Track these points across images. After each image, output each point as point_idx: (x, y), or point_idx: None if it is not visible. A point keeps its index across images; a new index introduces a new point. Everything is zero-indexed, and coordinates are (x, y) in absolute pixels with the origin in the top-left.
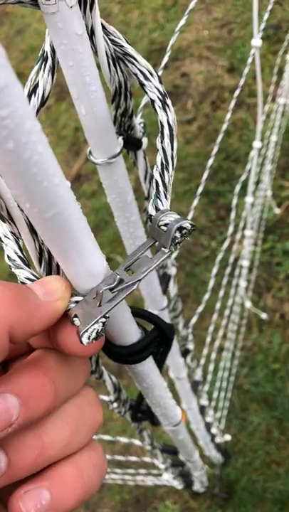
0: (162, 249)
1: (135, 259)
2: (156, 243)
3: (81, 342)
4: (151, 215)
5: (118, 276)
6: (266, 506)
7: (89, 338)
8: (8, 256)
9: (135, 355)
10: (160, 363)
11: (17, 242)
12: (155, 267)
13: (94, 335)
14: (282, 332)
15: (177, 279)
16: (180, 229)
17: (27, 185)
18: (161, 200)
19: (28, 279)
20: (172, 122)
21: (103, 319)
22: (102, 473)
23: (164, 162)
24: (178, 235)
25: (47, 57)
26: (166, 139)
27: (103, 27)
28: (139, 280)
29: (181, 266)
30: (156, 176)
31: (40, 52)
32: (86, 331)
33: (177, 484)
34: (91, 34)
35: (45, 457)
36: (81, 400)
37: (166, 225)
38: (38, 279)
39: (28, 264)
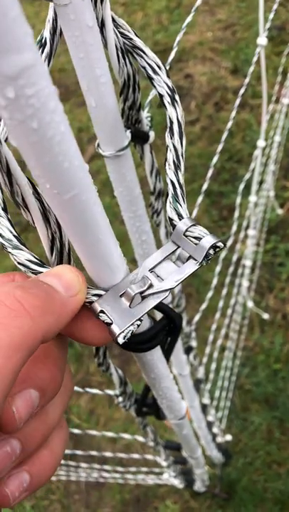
0: (192, 260)
1: (158, 262)
2: (179, 249)
3: (117, 342)
4: (173, 220)
5: (149, 281)
6: (267, 506)
7: (124, 338)
8: (1, 234)
9: (145, 344)
10: (167, 354)
11: (10, 221)
12: (186, 278)
13: (129, 335)
14: (284, 332)
15: None
16: (214, 247)
17: (49, 164)
18: (180, 204)
19: (30, 260)
20: (181, 118)
21: (138, 322)
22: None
23: (175, 161)
24: (211, 252)
25: (45, 44)
26: (176, 136)
27: (113, 19)
28: (172, 289)
29: None
30: (171, 176)
31: (39, 37)
32: (123, 331)
33: (178, 483)
34: (101, 26)
35: (46, 437)
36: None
37: (196, 238)
38: (39, 261)
39: (24, 244)
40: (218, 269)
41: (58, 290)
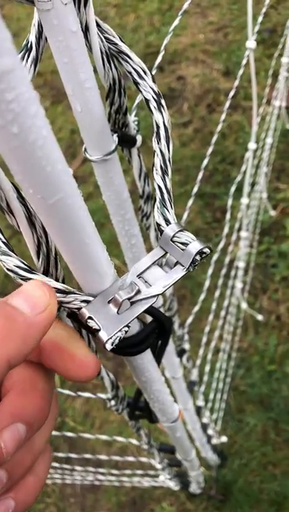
0: (179, 266)
1: (147, 268)
2: (168, 255)
3: (105, 348)
4: (160, 225)
5: (137, 287)
6: (262, 507)
7: (112, 344)
8: None
9: (135, 347)
10: (158, 358)
11: None
12: (173, 284)
13: (117, 341)
14: (278, 333)
15: None
16: (200, 253)
17: (31, 169)
18: (167, 209)
19: (18, 267)
20: (167, 123)
21: (126, 328)
22: (50, 468)
23: (162, 166)
24: (198, 257)
25: (31, 48)
26: (163, 141)
27: (98, 25)
28: (159, 295)
29: None
30: (158, 181)
31: (24, 42)
32: (110, 338)
33: (174, 485)
34: (85, 31)
35: (32, 464)
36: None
37: (183, 243)
38: (28, 267)
39: (12, 250)
40: (210, 271)
41: (23, 311)
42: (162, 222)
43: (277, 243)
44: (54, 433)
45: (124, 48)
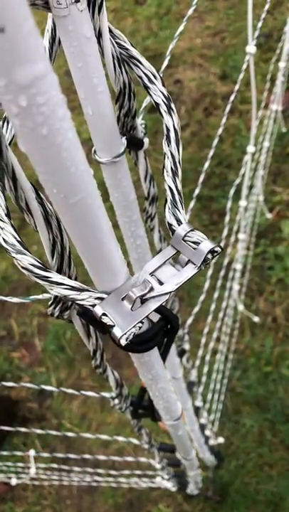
0: (191, 264)
1: (159, 266)
2: (180, 255)
3: (119, 343)
4: (172, 225)
5: (150, 285)
6: (259, 508)
7: (126, 340)
8: (4, 240)
9: (144, 344)
10: (164, 355)
11: (13, 226)
12: (185, 281)
13: (131, 337)
14: (274, 335)
15: None
16: (212, 252)
17: (56, 169)
18: (178, 210)
19: (33, 265)
20: (177, 126)
21: (140, 324)
22: None
23: (173, 168)
24: (210, 256)
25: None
26: (173, 144)
27: (110, 30)
28: (172, 292)
29: None
30: (169, 182)
31: None
32: (125, 333)
33: (171, 486)
34: (98, 36)
35: None
36: None
37: (195, 243)
38: (42, 265)
39: (27, 248)
40: (210, 272)
41: None
42: (174, 222)
43: (273, 245)
44: (52, 433)
45: (135, 53)
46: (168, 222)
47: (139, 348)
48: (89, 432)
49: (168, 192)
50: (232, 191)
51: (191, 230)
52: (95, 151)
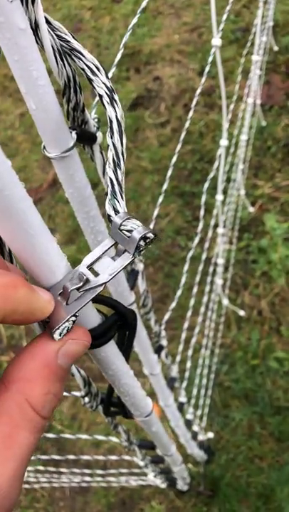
0: (126, 253)
1: (97, 258)
2: (118, 245)
3: (52, 337)
4: (110, 216)
5: (85, 277)
6: (251, 501)
7: (60, 335)
8: None
9: (95, 340)
10: (126, 352)
11: None
12: (120, 271)
13: (64, 331)
14: (260, 328)
15: (156, 280)
16: (144, 238)
17: None
18: (118, 200)
19: None
20: (120, 118)
21: (73, 318)
22: None
23: (115, 159)
24: (142, 243)
25: None
26: (116, 135)
27: (48, 22)
28: (105, 283)
29: (160, 267)
30: (110, 174)
31: None
32: (58, 328)
33: (160, 483)
34: (35, 28)
35: None
36: None
37: (129, 231)
38: None
39: None
40: (186, 267)
41: None
42: (112, 213)
43: (256, 239)
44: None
45: (77, 45)
46: (107, 214)
47: (90, 343)
48: (79, 433)
49: (108, 183)
50: (206, 185)
51: (128, 219)
52: (44, 147)
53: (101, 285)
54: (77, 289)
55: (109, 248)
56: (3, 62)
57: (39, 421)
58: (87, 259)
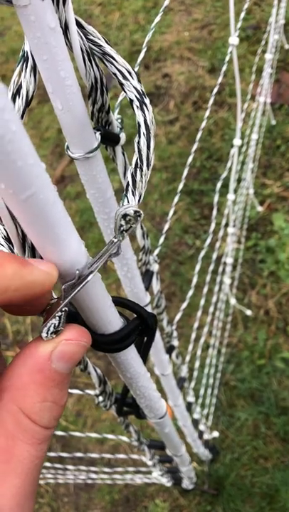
0: (112, 238)
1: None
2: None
3: (40, 336)
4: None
5: (77, 272)
6: (255, 501)
7: (47, 333)
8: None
9: (117, 344)
10: (144, 355)
11: (3, 226)
12: (104, 259)
13: (52, 329)
14: (267, 328)
15: (163, 278)
16: (124, 216)
17: (1, 164)
18: (128, 198)
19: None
20: (150, 121)
21: (59, 313)
22: None
23: (138, 162)
24: (123, 222)
25: (28, 58)
26: (143, 138)
27: (82, 27)
28: (91, 272)
29: (167, 265)
30: (129, 176)
31: (21, 53)
32: (45, 325)
33: (166, 481)
34: (65, 28)
35: None
36: None
37: (118, 216)
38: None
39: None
40: (198, 267)
41: None
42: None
43: (264, 239)
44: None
45: (109, 49)
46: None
47: (112, 347)
48: (84, 429)
49: (124, 185)
50: (219, 185)
51: (124, 207)
52: (68, 147)
53: (87, 276)
54: (73, 285)
55: (112, 243)
56: (12, 57)
57: (39, 431)
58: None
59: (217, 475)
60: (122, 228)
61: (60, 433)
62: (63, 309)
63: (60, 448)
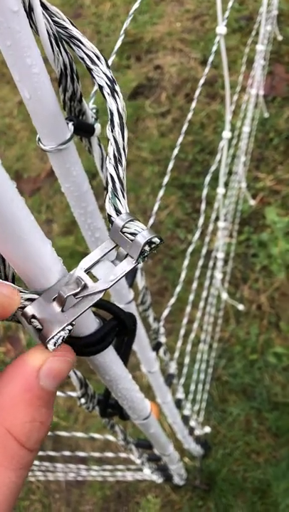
0: (129, 258)
1: (96, 262)
2: (119, 247)
3: (46, 347)
4: (111, 216)
5: (83, 282)
6: (246, 496)
7: (55, 345)
8: None
9: (92, 347)
10: (125, 356)
11: None
12: (121, 277)
13: (60, 341)
14: (259, 323)
15: (154, 273)
16: (149, 243)
17: None
18: (119, 199)
19: None
20: (122, 110)
21: (70, 327)
22: None
23: (116, 154)
24: (147, 248)
25: None
26: (117, 128)
27: (45, 7)
28: (105, 290)
29: (159, 260)
30: (111, 170)
31: None
32: (52, 337)
33: (156, 478)
34: (29, 11)
35: None
36: None
37: (132, 234)
38: None
39: None
40: (186, 262)
41: None
42: (113, 213)
43: (257, 232)
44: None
45: (76, 32)
46: (107, 214)
47: (87, 350)
48: (75, 425)
49: (109, 180)
50: (208, 178)
51: (130, 221)
52: (39, 139)
53: (100, 292)
54: (74, 295)
55: (109, 251)
56: None
57: (23, 455)
58: (85, 263)
59: (209, 470)
60: (145, 254)
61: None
62: (73, 323)
63: (51, 445)
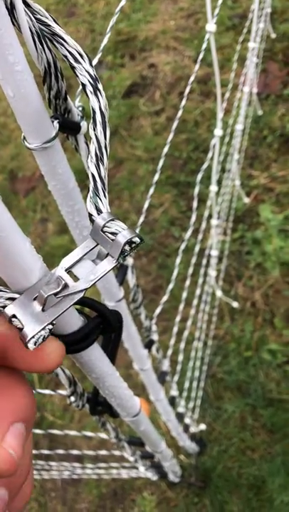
0: (110, 257)
1: (77, 261)
2: (100, 247)
3: (26, 347)
4: (92, 215)
5: (63, 281)
6: (242, 492)
7: (35, 344)
8: None
9: (76, 344)
10: (112, 353)
11: None
12: (102, 276)
13: (40, 340)
14: (254, 320)
15: (149, 271)
16: (129, 242)
17: None
18: (100, 198)
19: None
20: (104, 108)
21: (50, 326)
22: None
23: (98, 153)
24: (127, 248)
25: None
26: (99, 127)
27: (28, 5)
28: (86, 289)
29: (153, 258)
30: (92, 169)
31: None
32: (33, 337)
33: (151, 476)
34: (11, 8)
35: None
36: None
37: (113, 233)
38: None
39: None
40: (178, 260)
41: None
42: (94, 212)
43: (251, 230)
44: (34, 430)
45: (58, 29)
46: (88, 213)
47: (72, 348)
48: (71, 424)
49: (90, 179)
50: (199, 176)
51: (111, 220)
52: (24, 138)
53: (81, 291)
54: (55, 294)
55: (90, 250)
56: None
57: None
58: (66, 262)
59: (204, 467)
60: (125, 253)
61: (41, 432)
62: (53, 322)
63: (47, 443)
